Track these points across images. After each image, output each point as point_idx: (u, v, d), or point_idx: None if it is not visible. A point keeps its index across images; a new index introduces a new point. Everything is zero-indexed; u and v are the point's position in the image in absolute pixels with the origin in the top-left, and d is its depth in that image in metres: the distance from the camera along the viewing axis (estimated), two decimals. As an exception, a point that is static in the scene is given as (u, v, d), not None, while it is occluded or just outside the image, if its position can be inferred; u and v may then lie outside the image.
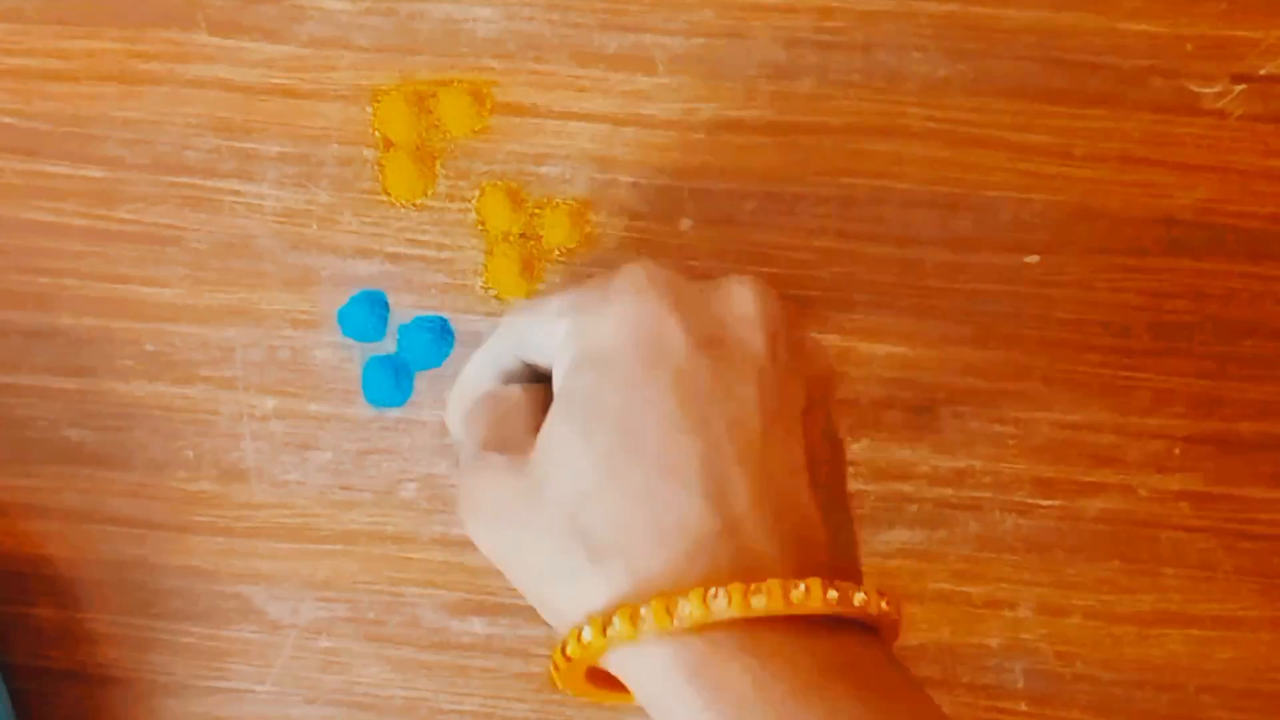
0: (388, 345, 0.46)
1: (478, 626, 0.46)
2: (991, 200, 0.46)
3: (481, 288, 0.46)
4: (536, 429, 0.35)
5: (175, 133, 0.46)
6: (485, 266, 0.46)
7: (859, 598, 0.32)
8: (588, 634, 0.32)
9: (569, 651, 0.33)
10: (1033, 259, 0.46)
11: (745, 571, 0.32)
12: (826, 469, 0.36)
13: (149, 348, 0.46)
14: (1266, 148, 0.45)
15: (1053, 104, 0.45)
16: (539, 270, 0.46)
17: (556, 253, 0.46)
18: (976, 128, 0.46)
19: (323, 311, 0.46)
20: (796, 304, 0.37)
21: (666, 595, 0.32)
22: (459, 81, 0.46)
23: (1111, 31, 0.45)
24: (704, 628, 0.32)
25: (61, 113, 0.46)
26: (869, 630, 0.33)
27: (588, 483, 0.33)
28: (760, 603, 0.31)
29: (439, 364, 0.46)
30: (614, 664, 0.33)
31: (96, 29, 0.46)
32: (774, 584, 0.31)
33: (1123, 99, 0.45)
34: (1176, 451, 0.45)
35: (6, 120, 0.46)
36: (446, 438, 0.46)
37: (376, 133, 0.46)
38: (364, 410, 0.46)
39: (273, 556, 0.46)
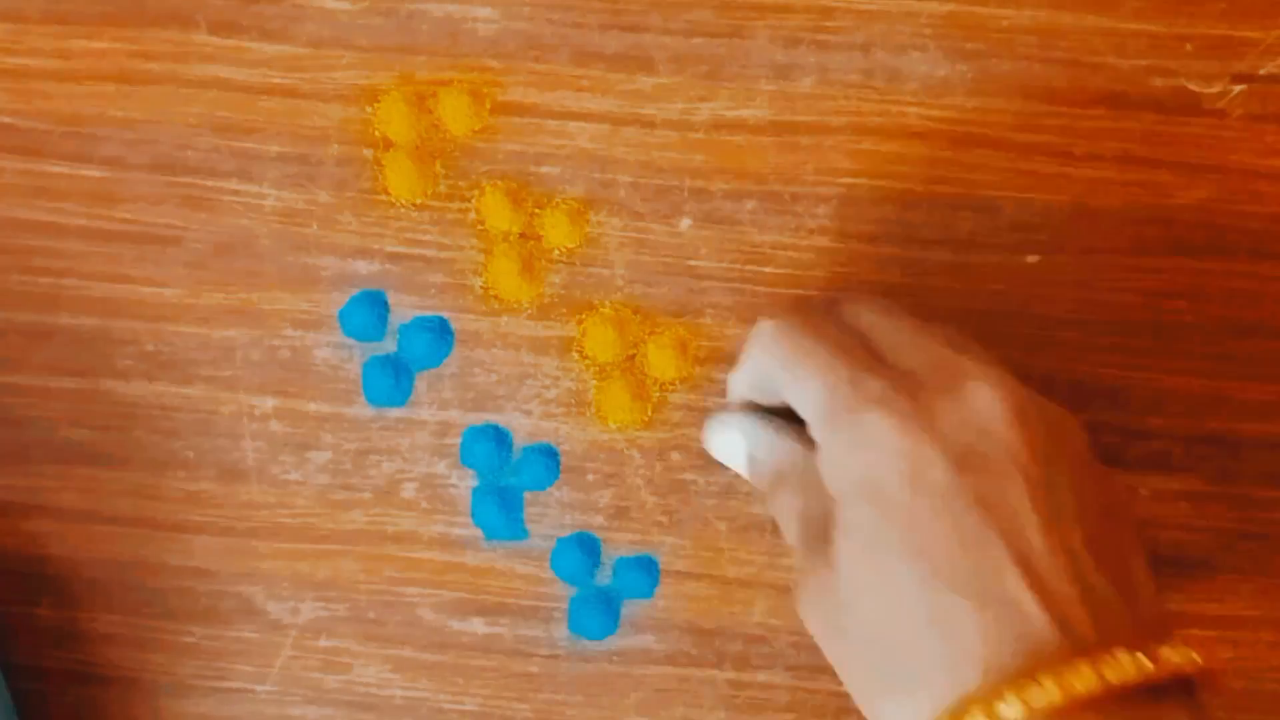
0: (388, 345, 0.46)
1: (478, 626, 0.46)
2: (991, 200, 0.46)
3: (481, 288, 0.46)
4: (829, 521, 0.37)
5: (175, 133, 0.46)
6: (485, 266, 0.46)
7: (1170, 655, 0.33)
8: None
9: None
10: (1033, 259, 0.46)
11: (1053, 660, 0.32)
12: (1110, 523, 0.36)
13: (149, 348, 0.46)
14: (1266, 148, 0.46)
15: (1053, 104, 0.45)
16: (539, 270, 0.46)
17: (556, 253, 0.46)
18: (976, 128, 0.46)
19: (323, 311, 0.46)
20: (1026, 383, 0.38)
21: (982, 701, 0.32)
22: (459, 81, 0.46)
23: (1111, 31, 0.45)
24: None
25: (61, 113, 0.46)
26: (1187, 692, 0.33)
27: (886, 615, 0.35)
28: (1077, 684, 0.32)
29: (439, 364, 0.46)
30: None
31: (96, 29, 0.46)
32: (1083, 664, 0.32)
33: (1123, 99, 0.45)
34: (1176, 451, 0.46)
35: (6, 120, 0.46)
36: (446, 437, 0.46)
37: (376, 133, 0.46)
38: (364, 410, 0.46)
39: (273, 556, 0.46)
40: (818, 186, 0.46)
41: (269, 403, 0.46)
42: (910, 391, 0.36)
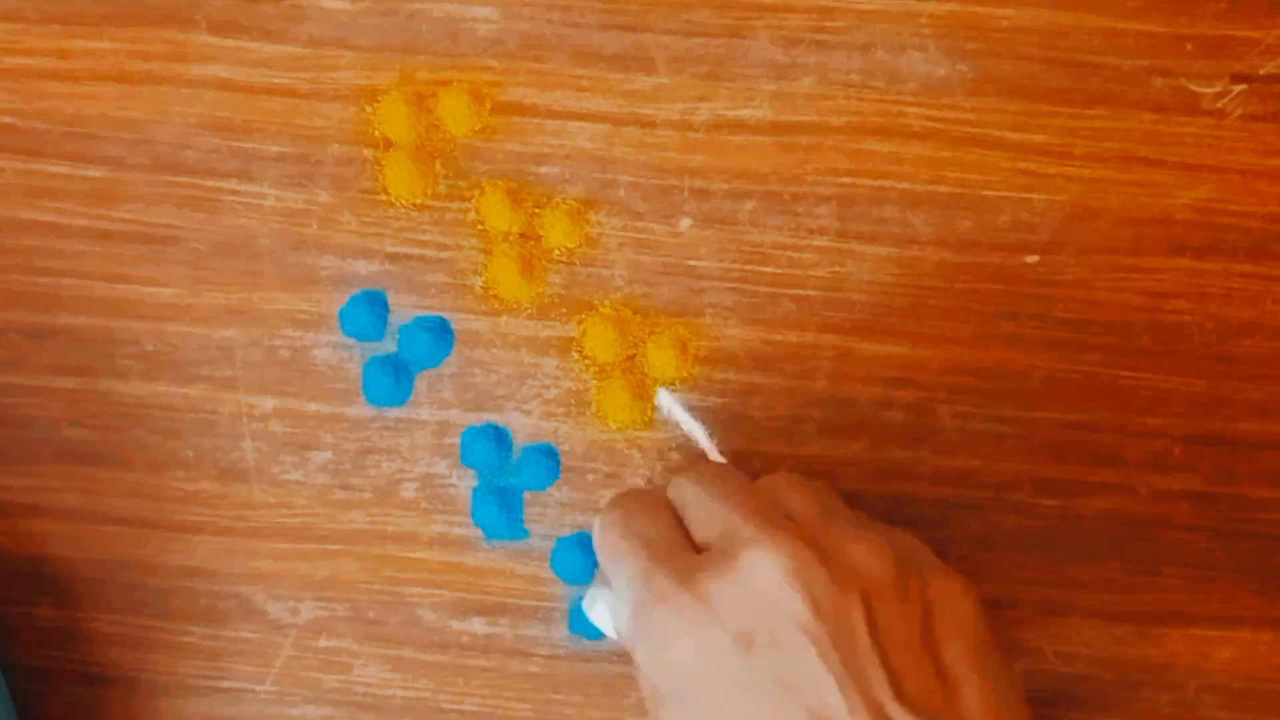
0: (388, 345, 0.46)
1: (478, 626, 0.46)
2: (991, 200, 0.46)
3: (481, 287, 0.46)
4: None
5: (175, 133, 0.46)
6: (485, 266, 0.46)
7: None
8: None
9: None
10: (1033, 259, 0.46)
11: None
12: (924, 649, 0.35)
13: (149, 348, 0.46)
14: (1266, 148, 0.45)
15: (1053, 104, 0.45)
16: (539, 270, 0.46)
17: (556, 253, 0.46)
18: (976, 128, 0.46)
19: (323, 311, 0.46)
20: (824, 488, 0.38)
21: None
22: (459, 81, 0.46)
23: (1111, 31, 0.45)
24: None
25: (61, 113, 0.46)
26: None
27: None
28: None
29: (439, 364, 0.46)
30: None
31: (96, 29, 0.46)
32: None
33: (1123, 99, 0.45)
34: (1176, 451, 0.45)
35: (6, 120, 0.46)
36: (446, 437, 0.46)
37: (376, 133, 0.46)
38: (364, 410, 0.46)
39: (273, 556, 0.46)
40: (818, 186, 0.46)
41: (269, 403, 0.46)
42: (690, 580, 0.36)
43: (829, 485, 0.40)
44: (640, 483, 0.46)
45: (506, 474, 0.46)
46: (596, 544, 0.40)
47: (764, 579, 0.35)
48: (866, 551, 0.36)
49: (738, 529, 0.36)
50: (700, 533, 0.38)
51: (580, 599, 0.45)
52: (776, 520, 0.37)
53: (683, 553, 0.37)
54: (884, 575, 0.36)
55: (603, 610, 0.41)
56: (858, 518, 0.39)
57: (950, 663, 0.35)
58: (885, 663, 0.34)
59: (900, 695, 0.34)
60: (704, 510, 0.38)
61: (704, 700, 0.35)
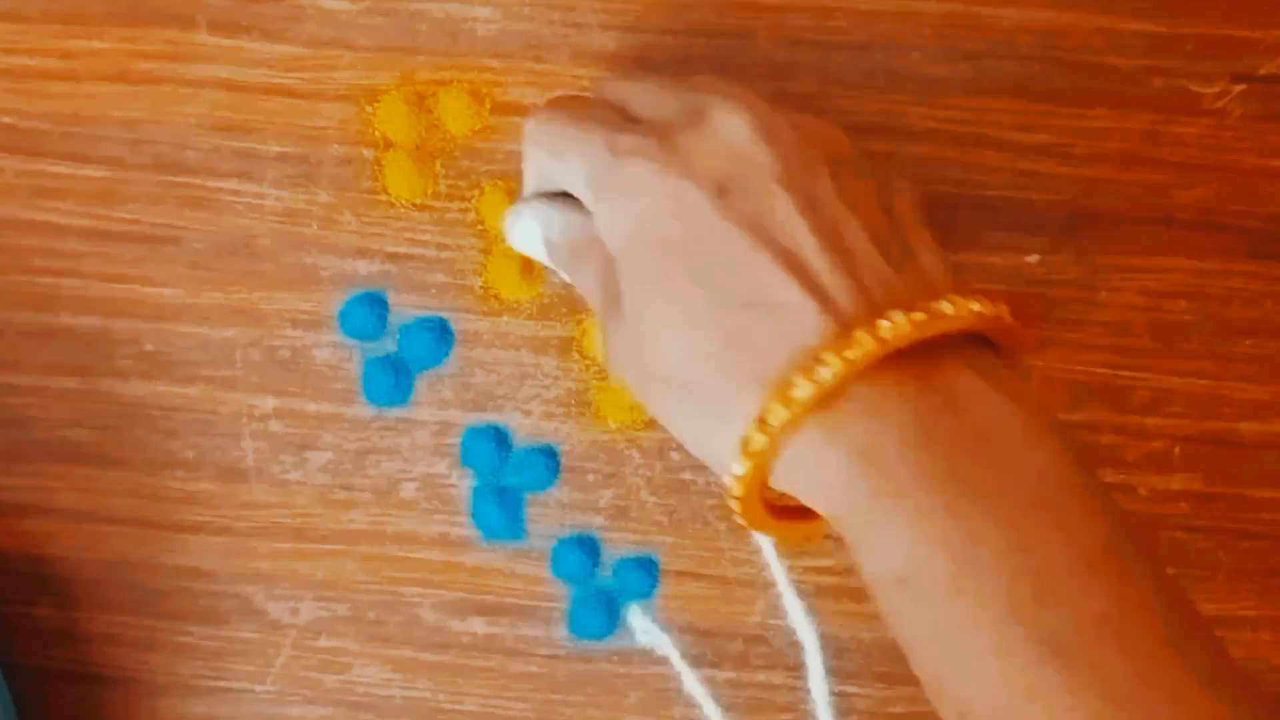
0: (388, 345, 0.46)
1: (478, 626, 0.46)
2: (991, 200, 0.46)
3: (481, 287, 0.46)
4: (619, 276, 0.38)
5: (175, 133, 0.46)
6: (485, 266, 0.46)
7: (944, 308, 0.34)
8: (757, 439, 0.34)
9: (743, 462, 0.34)
10: (1033, 259, 0.46)
11: (834, 339, 0.34)
12: (883, 209, 0.37)
13: (149, 348, 0.46)
14: (1266, 148, 0.45)
15: (1053, 104, 0.45)
16: (539, 270, 0.46)
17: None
18: (976, 128, 0.46)
19: (323, 311, 0.46)
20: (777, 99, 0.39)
21: (778, 395, 0.34)
22: (459, 81, 0.46)
23: (1111, 31, 0.45)
24: (833, 399, 0.33)
25: (61, 113, 0.46)
26: (978, 344, 0.35)
27: (686, 347, 0.36)
28: (856, 352, 0.33)
29: (439, 364, 0.46)
30: (782, 475, 0.35)
31: (96, 29, 0.46)
32: (859, 333, 0.33)
33: (1123, 99, 0.45)
34: (1176, 451, 0.45)
35: (6, 120, 0.46)
36: (446, 437, 0.46)
37: (376, 133, 0.46)
38: (364, 410, 0.46)
39: (273, 556, 0.46)
40: (818, 186, 0.46)
41: (269, 403, 0.46)
42: (662, 136, 0.37)
43: None
44: (641, 484, 0.46)
45: (506, 474, 0.46)
46: (535, 139, 0.41)
47: (738, 132, 0.36)
48: (828, 126, 0.38)
49: (701, 100, 0.37)
50: (652, 113, 0.39)
51: (578, 597, 0.45)
52: (738, 89, 0.38)
53: (640, 124, 0.38)
54: (844, 149, 0.38)
55: (529, 225, 0.42)
56: None
57: (907, 233, 0.37)
58: (858, 220, 0.36)
59: (872, 240, 0.36)
60: (653, 95, 0.39)
61: (670, 245, 0.36)
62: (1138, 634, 0.32)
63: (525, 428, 0.46)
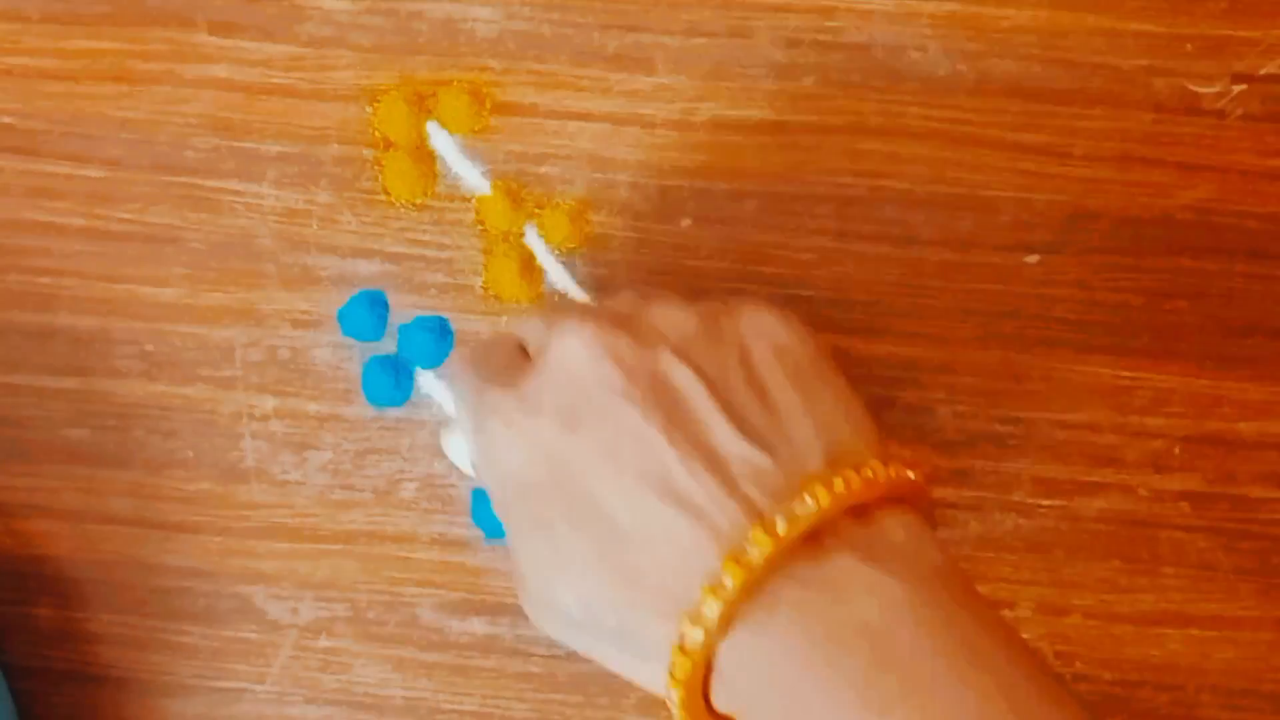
0: (388, 345, 0.46)
1: (478, 626, 0.46)
2: (991, 200, 0.46)
3: (481, 287, 0.46)
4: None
5: (175, 133, 0.46)
6: (485, 266, 0.46)
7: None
8: (692, 635, 0.33)
9: (674, 688, 0.33)
10: (1033, 259, 0.46)
11: (721, 555, 0.33)
12: (751, 380, 0.35)
13: (148, 348, 0.46)
14: (1266, 148, 0.46)
15: (1053, 104, 0.45)
16: (539, 270, 0.46)
17: (556, 253, 0.46)
18: (976, 128, 0.46)
19: (323, 311, 0.46)
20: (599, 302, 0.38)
21: (708, 590, 0.33)
22: (459, 81, 0.46)
23: (1111, 31, 0.45)
24: (754, 589, 0.32)
25: (61, 113, 0.46)
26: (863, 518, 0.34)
27: (585, 592, 0.35)
28: (772, 543, 0.32)
29: (439, 364, 0.46)
30: (717, 687, 0.34)
31: (96, 29, 0.46)
32: (817, 489, 0.32)
33: (1123, 99, 0.46)
34: (1176, 451, 0.46)
35: (6, 120, 0.46)
36: (446, 438, 0.46)
37: (376, 133, 0.46)
38: (364, 410, 0.46)
39: (272, 556, 0.46)
40: (817, 186, 0.46)
41: (269, 403, 0.46)
42: (510, 385, 0.36)
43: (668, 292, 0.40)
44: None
45: None
46: (448, 375, 0.43)
47: (572, 359, 0.35)
48: (666, 309, 0.36)
49: (548, 329, 0.37)
50: (532, 351, 0.38)
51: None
52: (583, 310, 0.37)
53: (515, 371, 0.38)
54: (688, 325, 0.36)
55: (458, 444, 0.42)
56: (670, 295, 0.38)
57: (775, 394, 0.35)
58: (716, 403, 0.34)
59: (737, 426, 0.34)
60: (534, 330, 0.38)
61: (546, 496, 0.35)
62: None
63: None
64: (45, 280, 0.46)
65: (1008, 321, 0.45)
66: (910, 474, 0.34)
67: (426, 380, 0.46)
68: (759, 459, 0.34)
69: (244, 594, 0.46)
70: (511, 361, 0.38)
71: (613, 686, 0.46)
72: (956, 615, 0.32)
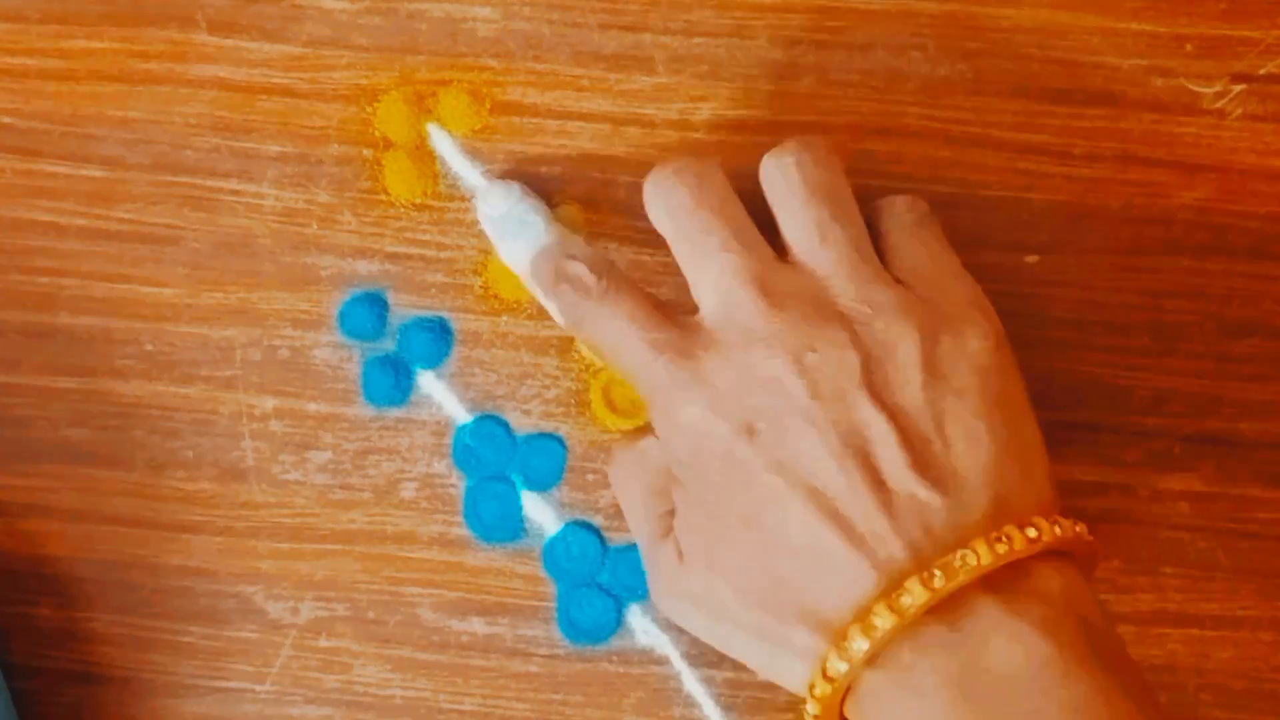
0: (388, 345, 0.46)
1: (478, 626, 0.46)
2: (991, 200, 0.46)
3: (481, 287, 0.46)
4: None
5: (175, 132, 0.46)
6: (485, 266, 0.46)
7: (1048, 532, 0.34)
8: (836, 665, 0.34)
9: (818, 690, 0.35)
10: (1033, 259, 0.46)
11: (878, 593, 0.34)
12: (936, 414, 0.35)
13: (148, 347, 0.46)
14: (1266, 148, 0.46)
15: (1053, 104, 0.45)
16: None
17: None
18: (976, 128, 0.46)
19: (323, 311, 0.46)
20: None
21: (857, 621, 0.34)
22: (459, 81, 0.46)
23: (1111, 31, 0.45)
24: (900, 637, 0.33)
25: (61, 113, 0.46)
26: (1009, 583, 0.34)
27: (741, 586, 0.36)
28: (929, 591, 0.33)
29: (439, 364, 0.46)
30: (852, 710, 0.35)
31: (96, 29, 0.46)
32: (979, 545, 0.33)
33: (1123, 99, 0.46)
34: (1176, 451, 0.45)
35: (6, 120, 0.46)
36: (446, 437, 0.46)
37: (376, 133, 0.46)
38: (364, 410, 0.46)
39: (272, 556, 0.46)
40: (818, 186, 0.46)
41: (269, 403, 0.46)
42: (685, 351, 0.37)
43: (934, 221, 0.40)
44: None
45: (512, 469, 0.46)
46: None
47: (761, 366, 0.36)
48: (890, 324, 0.36)
49: (723, 297, 0.37)
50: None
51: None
52: (771, 294, 0.37)
53: (682, 331, 0.38)
54: (909, 354, 0.36)
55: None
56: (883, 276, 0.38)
57: (954, 424, 0.35)
58: (896, 438, 0.35)
59: (913, 463, 0.34)
60: (703, 275, 0.39)
61: (716, 490, 0.36)
62: None
63: (525, 428, 0.46)
64: (45, 280, 0.46)
65: (1008, 321, 0.45)
66: (1077, 529, 0.35)
67: (427, 380, 0.46)
68: (927, 496, 0.34)
69: (244, 594, 0.46)
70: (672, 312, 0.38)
71: (613, 686, 0.46)
72: (1099, 678, 0.33)
